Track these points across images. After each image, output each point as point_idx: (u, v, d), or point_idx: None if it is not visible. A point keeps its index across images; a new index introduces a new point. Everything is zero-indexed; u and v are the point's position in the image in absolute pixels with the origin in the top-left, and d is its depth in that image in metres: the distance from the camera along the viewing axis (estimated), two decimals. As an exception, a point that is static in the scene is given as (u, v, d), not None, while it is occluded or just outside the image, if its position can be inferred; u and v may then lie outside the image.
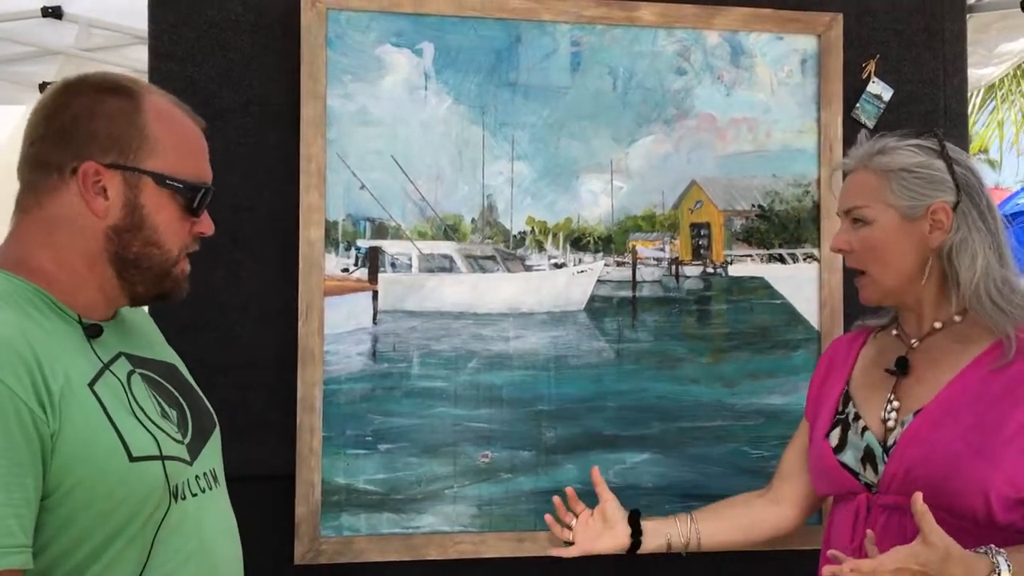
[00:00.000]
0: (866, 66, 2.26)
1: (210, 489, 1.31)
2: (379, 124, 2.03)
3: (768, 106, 2.19)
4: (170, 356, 1.45)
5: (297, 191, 1.99)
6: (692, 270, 2.16)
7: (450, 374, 2.05)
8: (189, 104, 1.97)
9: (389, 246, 2.04)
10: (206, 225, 1.32)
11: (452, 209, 2.07)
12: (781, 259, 2.19)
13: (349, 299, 2.01)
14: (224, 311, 2.01)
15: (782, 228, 2.19)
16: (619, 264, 2.13)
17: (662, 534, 1.72)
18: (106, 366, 1.20)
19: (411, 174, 2.05)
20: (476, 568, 2.06)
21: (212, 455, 1.37)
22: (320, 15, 1.99)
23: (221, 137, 2.01)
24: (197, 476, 1.28)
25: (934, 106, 2.30)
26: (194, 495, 1.26)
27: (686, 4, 2.15)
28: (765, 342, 2.17)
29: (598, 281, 2.12)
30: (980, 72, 3.19)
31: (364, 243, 2.03)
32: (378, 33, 2.03)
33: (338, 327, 2.00)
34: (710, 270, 2.17)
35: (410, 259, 2.05)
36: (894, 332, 1.60)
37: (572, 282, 2.11)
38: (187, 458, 1.26)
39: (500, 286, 2.08)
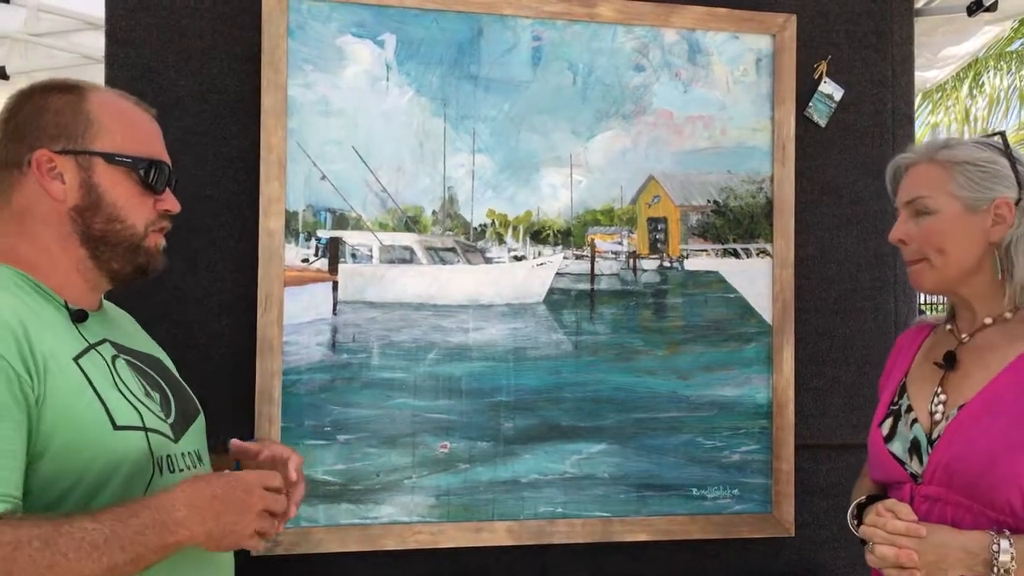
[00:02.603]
0: (818, 66, 2.32)
1: (194, 468, 1.37)
2: (340, 115, 2.03)
3: (724, 104, 2.23)
4: (156, 351, 1.52)
5: (257, 181, 1.97)
6: (649, 264, 2.20)
7: (409, 365, 2.05)
8: (147, 91, 1.97)
9: (350, 237, 2.04)
10: (170, 202, 1.39)
11: (413, 201, 2.07)
12: (735, 254, 2.24)
13: (309, 289, 2.01)
14: (182, 301, 1.99)
15: (736, 223, 2.24)
16: (578, 257, 2.15)
17: None
18: (92, 346, 1.27)
19: (372, 165, 2.05)
20: (434, 558, 2.07)
21: (195, 438, 1.43)
22: (281, 4, 1.97)
23: (179, 125, 1.99)
24: (182, 454, 1.34)
25: (882, 106, 2.36)
26: (181, 470, 1.32)
27: (645, 2, 2.18)
28: (719, 335, 2.21)
29: (557, 274, 2.14)
30: (925, 75, 3.28)
31: (324, 234, 2.02)
32: (339, 23, 2.03)
33: (297, 317, 1.99)
34: (666, 264, 2.21)
35: (370, 250, 2.05)
36: (948, 327, 1.60)
37: (531, 275, 2.13)
38: (171, 435, 1.32)
39: (460, 278, 2.09)
